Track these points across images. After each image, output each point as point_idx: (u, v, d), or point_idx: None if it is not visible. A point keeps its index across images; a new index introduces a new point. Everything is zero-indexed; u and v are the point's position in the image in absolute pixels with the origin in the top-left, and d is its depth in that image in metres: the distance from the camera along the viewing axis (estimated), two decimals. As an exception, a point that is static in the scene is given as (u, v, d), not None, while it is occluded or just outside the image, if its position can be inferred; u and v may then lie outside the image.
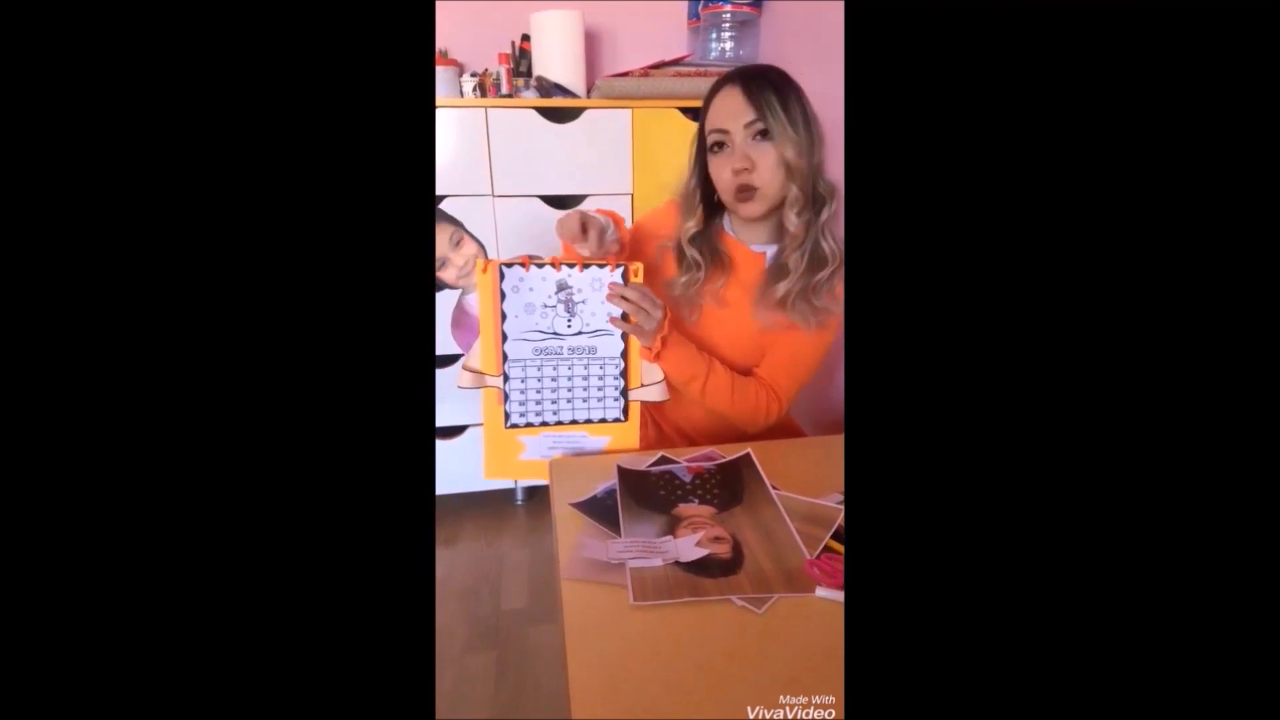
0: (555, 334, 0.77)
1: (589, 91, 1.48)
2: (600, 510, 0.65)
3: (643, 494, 0.67)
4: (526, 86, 1.44)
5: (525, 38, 1.46)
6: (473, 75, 1.43)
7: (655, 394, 0.80)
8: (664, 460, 0.74)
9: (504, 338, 0.76)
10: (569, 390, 0.78)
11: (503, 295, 0.75)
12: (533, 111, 1.36)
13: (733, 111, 0.77)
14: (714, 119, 0.79)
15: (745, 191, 0.78)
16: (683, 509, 0.65)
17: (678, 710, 0.43)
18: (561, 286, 0.75)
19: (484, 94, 1.43)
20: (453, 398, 1.40)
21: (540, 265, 0.75)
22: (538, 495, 1.69)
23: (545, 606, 1.31)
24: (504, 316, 0.75)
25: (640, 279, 0.75)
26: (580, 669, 0.46)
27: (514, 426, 0.78)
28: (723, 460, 0.73)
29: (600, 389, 0.79)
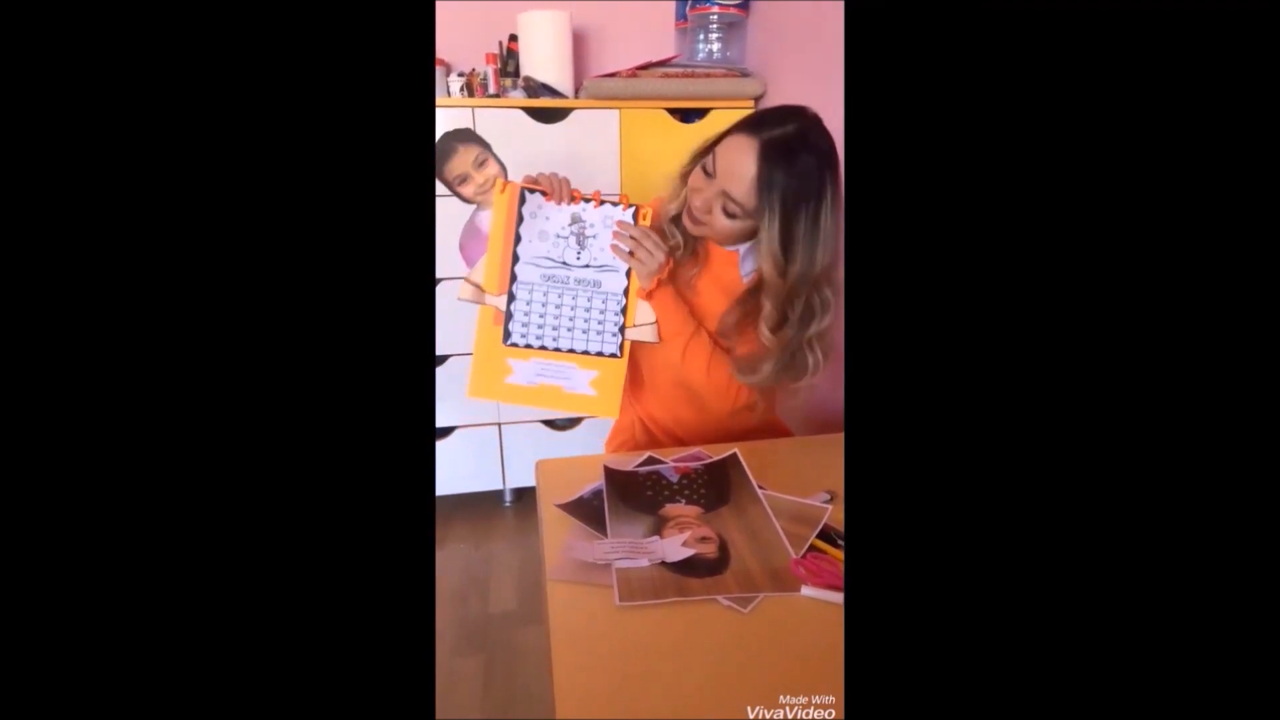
0: (564, 264, 0.80)
1: (577, 92, 1.47)
2: (587, 511, 0.64)
3: (630, 494, 0.67)
4: (514, 86, 1.44)
5: (513, 38, 1.46)
6: (460, 75, 1.43)
7: (648, 334, 0.82)
8: (651, 461, 0.74)
9: (515, 259, 0.79)
10: (570, 319, 0.81)
11: (520, 219, 0.78)
12: (520, 111, 1.36)
13: (734, 170, 0.72)
14: (722, 150, 0.74)
15: (694, 219, 0.78)
16: (669, 509, 0.65)
17: (663, 710, 0.43)
18: (575, 219, 0.79)
19: (471, 94, 1.42)
20: (441, 398, 1.39)
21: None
22: (526, 497, 1.68)
23: (533, 609, 1.31)
24: (518, 239, 0.79)
25: (649, 222, 0.78)
26: (565, 669, 0.46)
27: (513, 345, 0.81)
28: (710, 460, 0.74)
29: (600, 322, 0.81)
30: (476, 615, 1.29)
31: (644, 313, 0.81)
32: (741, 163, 0.72)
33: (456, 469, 1.54)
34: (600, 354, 0.81)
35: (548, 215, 0.79)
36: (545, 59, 1.41)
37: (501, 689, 1.12)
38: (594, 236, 0.79)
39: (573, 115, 1.38)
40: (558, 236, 0.79)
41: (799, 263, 0.72)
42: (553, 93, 1.40)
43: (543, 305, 0.80)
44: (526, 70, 1.42)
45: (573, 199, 0.79)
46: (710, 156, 0.76)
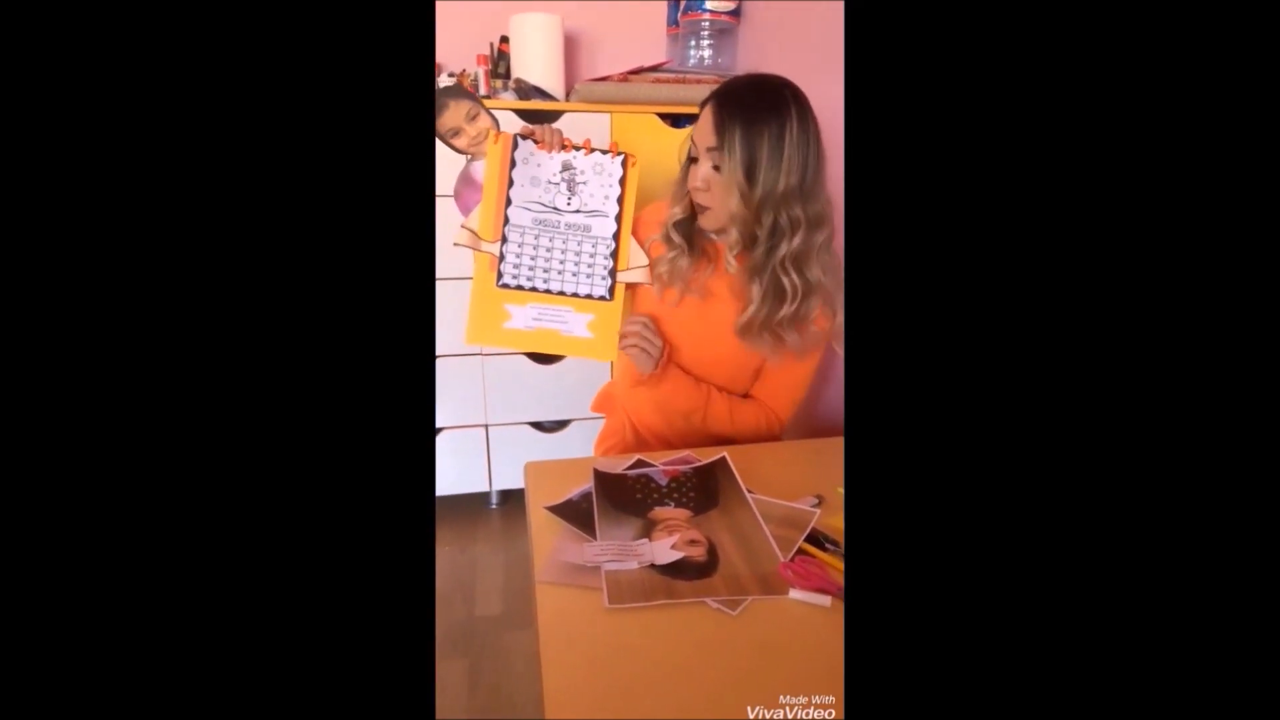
0: (555, 209, 0.82)
1: (568, 95, 1.48)
2: (576, 513, 0.64)
3: (619, 497, 0.67)
4: (505, 88, 1.44)
5: (504, 39, 1.46)
6: (451, 75, 1.42)
7: (640, 276, 0.84)
8: (640, 464, 0.74)
9: (508, 202, 0.81)
10: (561, 263, 0.83)
11: (513, 163, 0.81)
12: (511, 113, 1.36)
13: (703, 132, 0.78)
14: (695, 131, 0.80)
15: (700, 207, 0.81)
16: (659, 512, 0.65)
17: (652, 712, 0.43)
18: (566, 166, 0.82)
19: (462, 95, 1.42)
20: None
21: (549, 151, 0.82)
22: (512, 499, 1.67)
23: (520, 613, 1.30)
24: (511, 183, 0.81)
25: (637, 168, 0.81)
26: (555, 671, 0.46)
27: (505, 287, 0.82)
28: (699, 464, 0.74)
29: (590, 265, 0.83)
30: (462, 619, 1.29)
31: (637, 255, 0.83)
32: (707, 120, 0.77)
33: (443, 471, 1.53)
34: (591, 296, 0.83)
35: (539, 162, 0.81)
36: (537, 61, 1.41)
37: (487, 693, 1.12)
38: (584, 183, 0.82)
39: (564, 118, 1.38)
40: (549, 183, 0.82)
41: (763, 184, 0.75)
42: (544, 95, 1.40)
43: (534, 248, 0.83)
44: (518, 72, 1.42)
45: (564, 147, 0.81)
46: (690, 145, 0.81)
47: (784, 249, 0.77)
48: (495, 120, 0.86)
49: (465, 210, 0.86)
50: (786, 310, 0.79)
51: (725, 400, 0.86)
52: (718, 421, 0.86)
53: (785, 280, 0.78)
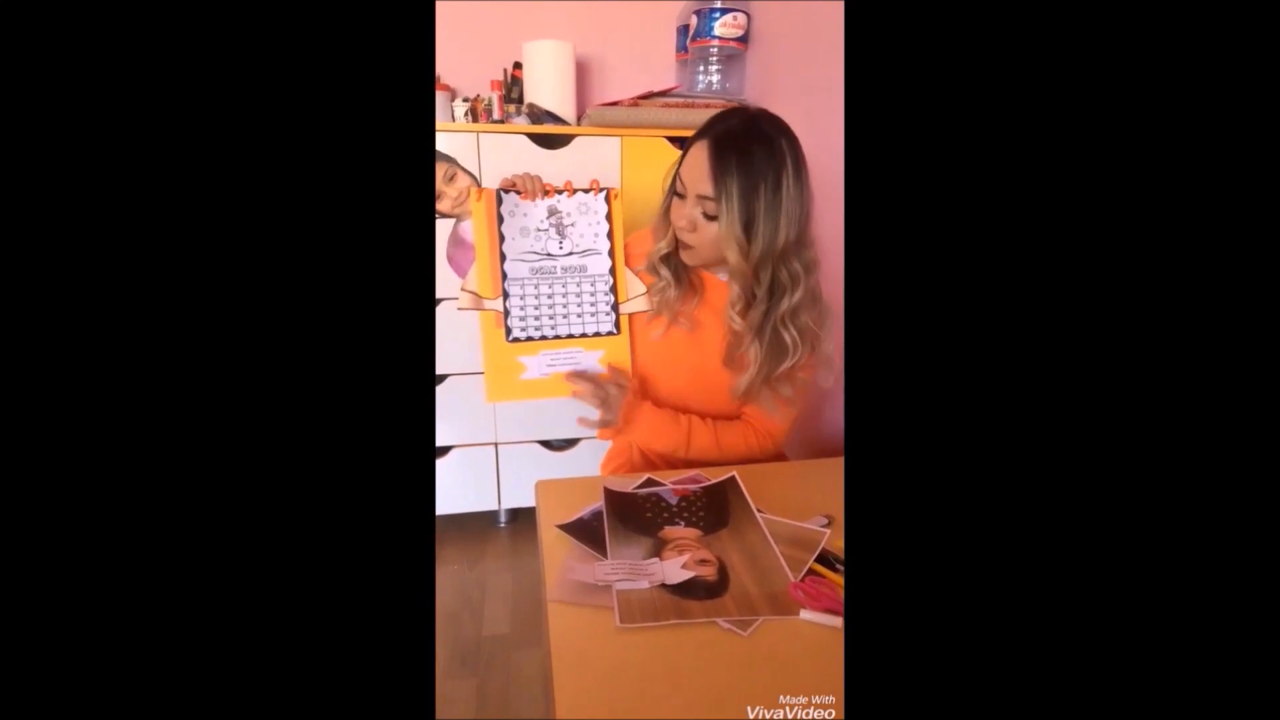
0: (549, 255, 0.83)
1: (579, 119, 1.51)
2: (587, 532, 0.65)
3: (629, 516, 0.67)
4: (518, 113, 1.47)
5: (517, 65, 1.49)
6: (464, 100, 1.46)
7: (641, 304, 0.85)
8: (650, 483, 0.74)
9: (502, 258, 0.82)
10: (564, 306, 0.84)
11: (500, 219, 0.81)
12: (524, 137, 1.38)
13: (695, 174, 0.74)
14: (683, 167, 0.77)
15: (684, 244, 0.80)
16: (669, 531, 0.65)
17: (664, 733, 0.43)
18: (552, 212, 0.82)
19: (475, 119, 1.45)
20: (439, 418, 1.39)
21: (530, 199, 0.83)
22: (521, 518, 1.67)
23: (528, 632, 1.29)
24: (502, 238, 0.81)
25: (620, 202, 0.82)
26: (566, 690, 0.46)
27: (515, 341, 0.82)
28: (709, 483, 0.74)
29: (593, 304, 0.84)
30: (470, 637, 1.28)
31: (635, 285, 0.84)
32: (701, 163, 0.73)
33: (452, 489, 1.54)
34: (599, 333, 0.84)
35: (525, 212, 0.82)
36: (549, 87, 1.44)
37: (495, 712, 1.11)
38: (572, 225, 0.83)
39: (575, 142, 1.40)
40: (538, 230, 0.83)
41: (762, 239, 0.73)
42: (556, 120, 1.43)
43: (535, 297, 0.83)
44: (530, 97, 1.45)
45: (546, 193, 0.81)
46: (677, 179, 0.78)
47: (785, 304, 0.77)
48: (474, 177, 0.86)
49: (461, 272, 0.85)
50: (786, 364, 0.79)
51: (709, 429, 0.85)
52: (703, 452, 0.85)
53: (786, 335, 0.78)
